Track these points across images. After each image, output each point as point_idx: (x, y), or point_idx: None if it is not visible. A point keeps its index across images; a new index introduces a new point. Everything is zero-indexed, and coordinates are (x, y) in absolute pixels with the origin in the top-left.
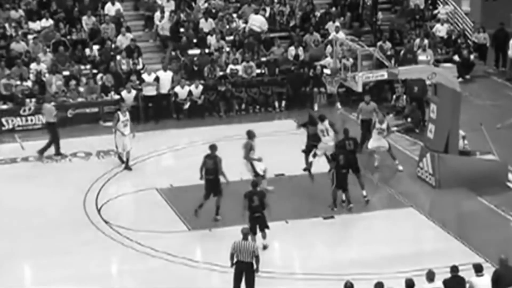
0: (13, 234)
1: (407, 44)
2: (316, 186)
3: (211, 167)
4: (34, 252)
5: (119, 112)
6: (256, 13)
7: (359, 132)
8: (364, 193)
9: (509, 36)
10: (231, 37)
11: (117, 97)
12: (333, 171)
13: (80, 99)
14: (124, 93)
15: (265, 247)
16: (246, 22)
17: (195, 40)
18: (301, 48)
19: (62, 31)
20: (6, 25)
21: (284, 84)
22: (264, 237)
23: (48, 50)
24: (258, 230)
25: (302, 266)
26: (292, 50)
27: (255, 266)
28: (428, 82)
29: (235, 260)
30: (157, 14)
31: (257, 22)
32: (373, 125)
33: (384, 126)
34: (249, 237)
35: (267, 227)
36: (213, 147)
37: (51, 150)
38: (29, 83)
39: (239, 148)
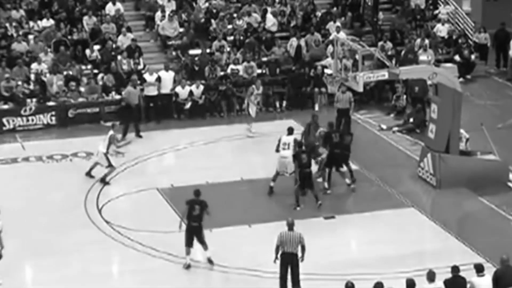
0: (13, 234)
1: (408, 44)
2: (317, 186)
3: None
4: (35, 252)
5: (113, 132)
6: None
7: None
8: (348, 181)
9: (510, 36)
10: (232, 37)
11: (118, 97)
12: (297, 170)
13: (81, 99)
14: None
15: (210, 262)
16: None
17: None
18: (303, 39)
19: (63, 31)
20: (7, 25)
21: (285, 84)
22: (205, 249)
23: (49, 50)
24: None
25: (303, 266)
26: (294, 41)
27: (299, 255)
28: (429, 82)
29: (280, 252)
30: (158, 14)
31: (270, 22)
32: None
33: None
34: (294, 228)
35: (203, 242)
36: (314, 117)
37: (51, 150)
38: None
39: (240, 147)
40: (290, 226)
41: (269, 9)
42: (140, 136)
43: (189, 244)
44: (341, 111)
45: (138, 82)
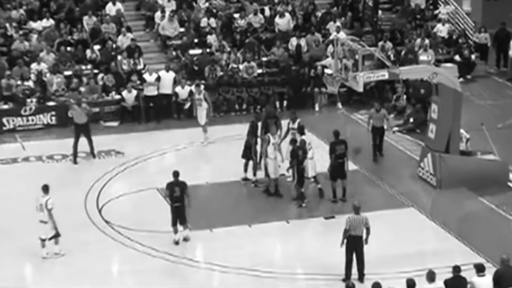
0: (13, 234)
1: (408, 44)
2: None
3: (342, 151)
4: (34, 252)
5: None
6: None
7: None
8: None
9: (510, 36)
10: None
11: (118, 97)
12: (294, 167)
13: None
14: (125, 93)
15: (186, 239)
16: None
17: (196, 40)
18: (303, 39)
19: (63, 31)
20: (7, 25)
21: (284, 84)
22: (185, 228)
23: (51, 50)
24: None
25: (303, 266)
26: (293, 41)
27: (364, 237)
28: None
29: (347, 235)
30: (158, 14)
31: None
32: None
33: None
34: (360, 211)
35: (185, 221)
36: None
37: (51, 150)
38: (30, 83)
39: (239, 147)
40: (357, 210)
41: (267, 8)
42: (94, 157)
43: (174, 223)
44: (375, 129)
45: (138, 82)
